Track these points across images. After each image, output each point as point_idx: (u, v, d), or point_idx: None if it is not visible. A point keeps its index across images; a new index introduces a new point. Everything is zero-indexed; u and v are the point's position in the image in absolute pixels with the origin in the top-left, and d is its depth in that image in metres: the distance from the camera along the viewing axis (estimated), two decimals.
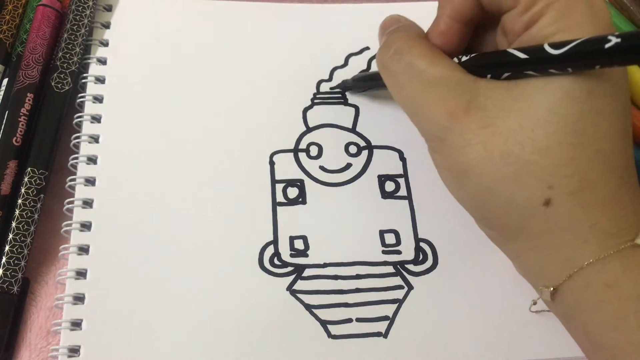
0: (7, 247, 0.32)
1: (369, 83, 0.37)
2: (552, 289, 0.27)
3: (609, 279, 0.25)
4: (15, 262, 0.32)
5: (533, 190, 0.26)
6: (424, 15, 0.38)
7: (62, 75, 0.36)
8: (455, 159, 0.27)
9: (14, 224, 0.33)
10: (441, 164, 0.29)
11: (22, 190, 0.33)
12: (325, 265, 0.34)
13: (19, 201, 0.33)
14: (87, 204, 0.34)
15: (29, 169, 0.34)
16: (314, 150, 0.36)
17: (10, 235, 0.32)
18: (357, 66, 0.39)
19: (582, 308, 0.26)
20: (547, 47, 0.24)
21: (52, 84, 0.36)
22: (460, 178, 0.28)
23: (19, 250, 0.32)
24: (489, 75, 0.27)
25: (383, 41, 0.31)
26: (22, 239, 0.32)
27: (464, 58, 0.28)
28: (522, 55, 0.25)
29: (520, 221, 0.27)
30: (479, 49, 0.31)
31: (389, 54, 0.30)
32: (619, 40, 0.22)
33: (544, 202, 0.26)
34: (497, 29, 0.30)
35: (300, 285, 0.33)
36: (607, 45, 0.22)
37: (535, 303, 0.32)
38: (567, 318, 0.28)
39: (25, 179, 0.33)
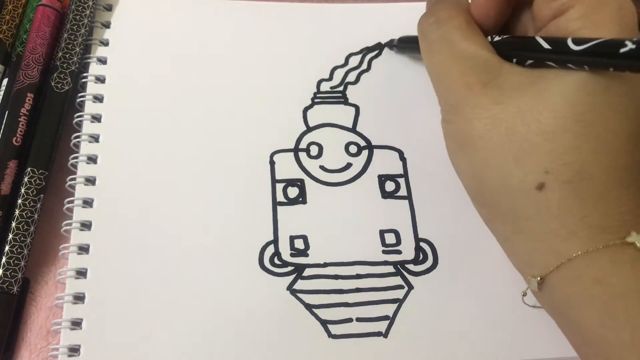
0: (7, 247, 0.32)
1: (412, 45, 0.37)
2: (539, 278, 0.27)
3: (598, 275, 0.25)
4: (15, 262, 0.32)
5: (529, 171, 0.26)
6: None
7: (62, 75, 0.36)
8: (462, 129, 0.29)
9: (13, 224, 0.33)
10: (449, 133, 0.30)
11: (22, 190, 0.33)
12: (325, 264, 0.34)
13: (19, 201, 0.33)
14: (87, 203, 0.34)
15: (29, 169, 0.34)
16: (314, 150, 0.36)
17: (10, 235, 0.32)
18: (356, 65, 0.39)
19: (572, 303, 0.26)
20: (569, 42, 0.25)
21: (52, 84, 0.36)
22: (464, 149, 0.29)
23: (19, 250, 0.32)
24: (514, 60, 0.28)
25: (427, 8, 0.33)
26: (22, 239, 0.32)
27: (496, 38, 0.29)
28: (545, 45, 0.26)
29: (511, 201, 0.27)
30: (514, 30, 0.32)
31: (429, 21, 0.31)
32: (634, 46, 0.22)
33: (537, 186, 0.26)
34: (529, 13, 0.30)
35: (300, 284, 0.33)
36: (622, 50, 0.22)
37: (525, 294, 0.32)
38: (557, 313, 0.28)
39: (25, 179, 0.33)
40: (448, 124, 0.30)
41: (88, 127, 0.36)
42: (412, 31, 0.40)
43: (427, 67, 0.32)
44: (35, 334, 0.32)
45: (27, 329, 0.32)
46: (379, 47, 0.40)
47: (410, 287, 0.33)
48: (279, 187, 0.35)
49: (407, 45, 0.38)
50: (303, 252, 0.34)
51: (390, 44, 0.40)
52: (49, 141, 0.35)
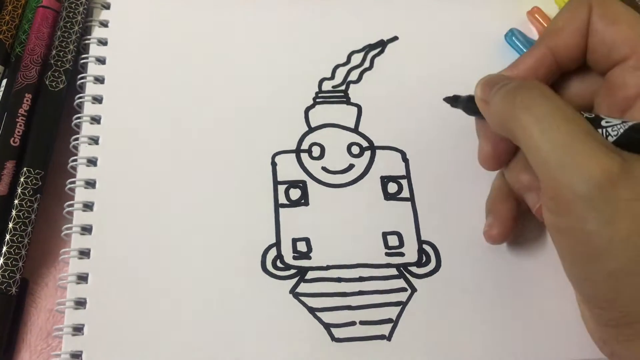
0: (4, 248, 0.32)
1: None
2: None
3: None
4: (13, 262, 0.32)
5: None
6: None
7: (56, 74, 0.36)
8: (594, 229, 0.23)
9: (11, 225, 0.32)
10: (566, 229, 0.25)
11: (19, 191, 0.33)
12: (328, 267, 0.33)
13: (16, 201, 0.33)
14: (88, 206, 0.34)
15: (25, 168, 0.33)
16: (316, 151, 0.36)
17: (8, 236, 0.32)
18: (359, 63, 0.39)
19: None
20: None
21: (47, 82, 0.35)
22: (594, 252, 0.23)
23: (17, 251, 0.32)
24: None
25: (509, 89, 0.28)
26: (20, 239, 0.32)
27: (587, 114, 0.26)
28: None
29: None
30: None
31: (531, 94, 0.26)
32: None
33: None
34: (586, 78, 0.29)
35: (303, 288, 0.33)
36: None
37: None
38: None
39: (21, 179, 0.33)
40: (563, 218, 0.24)
41: (87, 129, 0.35)
42: (415, 29, 0.40)
43: (532, 146, 0.25)
44: (35, 336, 0.32)
45: (27, 331, 0.32)
46: (381, 45, 0.39)
47: (414, 289, 0.33)
48: (281, 188, 0.35)
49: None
50: (305, 255, 0.34)
51: (454, 101, 0.35)
52: (44, 140, 0.34)
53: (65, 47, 0.36)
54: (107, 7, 0.39)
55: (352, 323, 0.32)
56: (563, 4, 0.40)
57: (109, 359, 0.31)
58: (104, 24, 0.39)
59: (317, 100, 0.38)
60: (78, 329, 0.31)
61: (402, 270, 0.33)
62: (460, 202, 0.35)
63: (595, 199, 0.23)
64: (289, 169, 0.35)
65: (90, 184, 0.34)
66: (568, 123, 0.24)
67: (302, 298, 0.33)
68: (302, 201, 0.35)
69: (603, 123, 0.26)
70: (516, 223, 0.33)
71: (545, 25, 0.40)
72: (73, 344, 0.31)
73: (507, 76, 0.31)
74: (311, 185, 0.35)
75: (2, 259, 0.32)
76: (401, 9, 0.41)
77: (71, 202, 0.33)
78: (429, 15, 0.41)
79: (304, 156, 0.36)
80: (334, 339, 0.32)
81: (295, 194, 0.35)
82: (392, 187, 0.35)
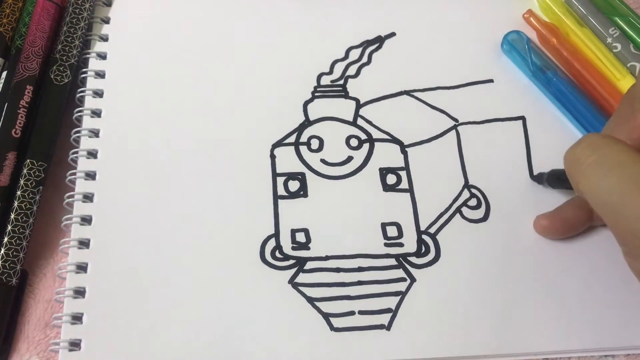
0: (5, 239, 0.32)
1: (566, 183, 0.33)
2: None
3: None
4: (14, 253, 0.32)
5: None
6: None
7: (61, 68, 0.36)
8: None
9: (12, 216, 0.32)
10: None
11: (21, 182, 0.33)
12: (327, 258, 0.33)
13: (18, 193, 0.33)
14: (88, 197, 0.34)
15: (28, 160, 0.33)
16: (315, 144, 0.36)
17: (9, 227, 0.32)
18: (357, 58, 0.39)
19: None
20: None
21: (52, 76, 0.36)
22: None
23: (18, 242, 0.32)
24: None
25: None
26: (21, 230, 0.32)
27: None
28: None
29: None
30: None
31: (582, 147, 0.27)
32: None
33: None
34: None
35: (302, 278, 0.33)
36: None
37: None
38: None
39: (24, 171, 0.33)
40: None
41: (88, 122, 0.36)
42: (412, 25, 0.40)
43: (592, 197, 0.26)
44: (33, 327, 0.32)
45: (25, 322, 0.32)
46: (379, 40, 0.40)
47: (413, 279, 0.33)
48: (280, 180, 0.35)
49: (563, 184, 0.35)
50: (304, 246, 0.34)
51: (537, 178, 0.36)
52: (48, 133, 0.35)
53: (71, 42, 0.37)
54: (108, 4, 0.40)
55: (351, 313, 0.32)
56: (546, 5, 0.41)
57: (108, 348, 0.31)
58: (105, 21, 0.39)
59: (316, 94, 0.38)
60: (77, 318, 0.31)
61: (401, 261, 0.34)
62: (458, 193, 0.35)
63: None
64: (288, 162, 0.36)
65: (91, 175, 0.34)
66: (622, 167, 0.25)
67: (301, 288, 0.33)
68: (301, 193, 0.35)
69: None
70: (570, 230, 0.34)
71: (540, 28, 0.40)
72: (72, 332, 0.31)
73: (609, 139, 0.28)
74: (310, 177, 0.35)
75: (3, 250, 0.32)
76: (398, 6, 0.41)
77: (71, 193, 0.34)
78: (425, 11, 0.41)
79: (303, 149, 0.36)
80: (333, 328, 0.32)
81: (294, 185, 0.35)
82: (390, 179, 0.36)
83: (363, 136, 0.37)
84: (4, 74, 0.36)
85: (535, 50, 0.39)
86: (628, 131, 0.29)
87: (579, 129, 0.37)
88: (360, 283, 0.33)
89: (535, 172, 0.36)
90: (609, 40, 0.39)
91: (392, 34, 0.40)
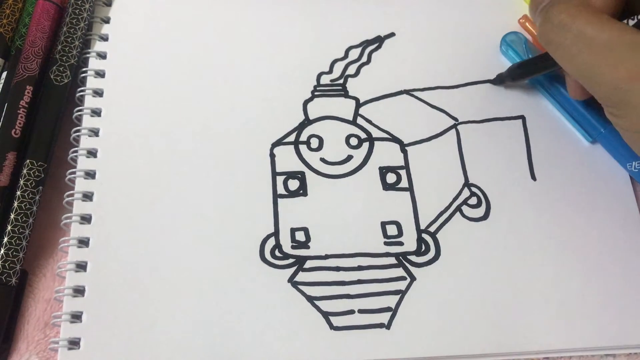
0: (5, 239, 0.32)
1: (526, 69, 0.37)
2: None
3: None
4: (14, 253, 0.32)
5: None
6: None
7: (61, 68, 0.36)
8: (638, 120, 0.28)
9: (12, 216, 0.32)
10: (625, 126, 0.29)
11: (21, 182, 0.33)
12: (326, 256, 0.33)
13: (18, 193, 0.33)
14: (87, 196, 0.34)
15: (28, 160, 0.34)
16: (314, 143, 0.36)
17: (9, 227, 0.32)
18: (356, 58, 0.39)
19: None
20: None
21: (52, 76, 0.36)
22: None
23: (18, 242, 0.32)
24: None
25: (542, 17, 0.31)
26: (21, 230, 0.32)
27: (632, 22, 0.29)
28: None
29: None
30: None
31: (553, 27, 0.30)
32: None
33: None
34: None
35: (301, 277, 0.33)
36: None
37: None
38: None
39: (24, 171, 0.33)
40: (619, 119, 0.29)
41: (88, 121, 0.36)
42: (412, 25, 0.40)
43: (571, 72, 0.30)
44: (33, 326, 0.32)
45: (25, 322, 0.32)
46: (378, 40, 0.40)
47: (413, 278, 0.33)
48: (280, 179, 0.35)
49: (525, 70, 0.37)
50: (304, 244, 0.34)
51: (499, 80, 0.38)
52: (48, 133, 0.35)
53: (71, 42, 0.37)
54: (108, 4, 0.40)
55: (351, 312, 0.32)
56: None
57: (107, 346, 0.31)
58: (106, 21, 0.39)
59: (316, 93, 0.38)
60: (76, 317, 0.31)
61: (401, 259, 0.33)
62: (458, 192, 0.35)
63: (630, 99, 0.27)
64: (287, 161, 0.36)
65: (90, 174, 0.34)
66: (589, 44, 0.28)
67: (301, 287, 0.33)
68: (301, 192, 0.35)
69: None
70: None
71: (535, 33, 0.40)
72: (71, 331, 0.31)
73: None
74: (310, 176, 0.35)
75: (2, 250, 0.32)
76: (398, 6, 0.41)
77: (71, 192, 0.34)
78: (425, 11, 0.41)
79: (303, 148, 0.36)
80: (332, 327, 0.32)
81: (293, 184, 0.35)
82: (390, 178, 0.36)
83: (363, 135, 0.37)
84: (4, 74, 0.36)
85: (533, 51, 0.39)
86: None
87: (577, 129, 0.37)
88: (360, 282, 0.33)
89: (535, 172, 0.36)
90: None
91: (392, 34, 0.40)
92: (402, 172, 0.36)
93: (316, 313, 0.32)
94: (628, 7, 0.31)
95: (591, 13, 0.28)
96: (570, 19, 0.29)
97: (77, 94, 0.36)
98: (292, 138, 0.36)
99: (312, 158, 0.36)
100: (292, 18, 0.40)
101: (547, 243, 0.34)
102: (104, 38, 0.39)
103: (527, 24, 0.40)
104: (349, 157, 0.36)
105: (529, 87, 0.39)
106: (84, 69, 0.37)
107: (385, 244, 0.34)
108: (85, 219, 0.33)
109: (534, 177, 0.36)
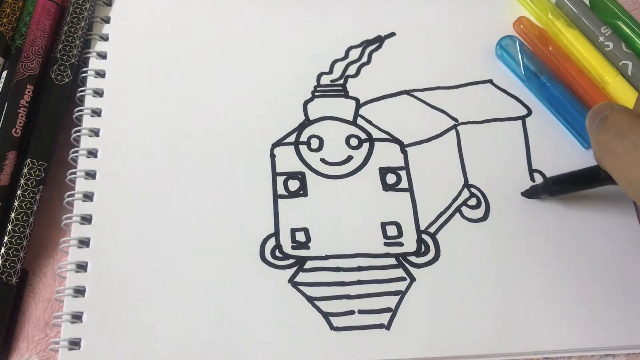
0: (6, 238, 0.32)
1: (569, 185, 0.35)
2: None
3: None
4: (14, 253, 0.32)
5: None
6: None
7: (61, 68, 0.36)
8: None
9: (13, 215, 0.32)
10: None
11: (22, 182, 0.33)
12: (326, 257, 0.33)
13: (18, 192, 0.33)
14: (88, 197, 0.34)
15: (28, 160, 0.34)
16: (314, 143, 0.36)
17: (9, 226, 0.32)
18: (357, 58, 0.39)
19: None
20: None
21: (52, 76, 0.36)
22: None
23: (18, 241, 0.32)
24: None
25: (600, 125, 0.29)
26: (21, 230, 0.32)
27: None
28: None
29: None
30: None
31: (611, 135, 0.28)
32: None
33: None
34: None
35: (301, 277, 0.33)
36: None
37: None
38: None
39: (25, 170, 0.33)
40: None
41: (88, 121, 0.36)
42: (412, 25, 0.40)
43: (624, 184, 0.28)
44: (33, 326, 0.32)
45: (25, 321, 0.32)
46: (379, 40, 0.40)
47: (413, 279, 0.33)
48: (280, 180, 0.35)
49: (564, 187, 0.35)
50: (304, 245, 0.34)
51: (531, 193, 0.36)
52: (48, 132, 0.35)
53: (72, 42, 0.37)
54: (108, 4, 0.40)
55: (351, 312, 0.32)
56: (532, 10, 0.41)
57: (108, 347, 0.31)
58: (106, 21, 0.39)
59: (316, 94, 0.38)
60: (77, 317, 0.31)
61: (401, 260, 0.34)
62: (458, 192, 0.35)
63: None
64: (287, 161, 0.36)
65: (91, 174, 0.34)
66: None
67: (301, 287, 0.33)
68: (301, 192, 0.35)
69: None
70: None
71: (530, 37, 0.40)
72: (72, 331, 0.31)
73: (610, 104, 0.30)
74: (310, 177, 0.35)
75: (3, 249, 0.32)
76: (398, 5, 0.41)
77: (71, 192, 0.34)
78: (425, 11, 0.41)
79: (303, 148, 0.36)
80: (332, 327, 0.32)
81: (294, 185, 0.35)
82: (390, 178, 0.36)
83: (363, 136, 0.37)
84: (5, 73, 0.36)
85: (528, 54, 0.39)
86: None
87: (571, 133, 0.37)
88: (360, 282, 0.33)
89: (534, 173, 0.36)
90: (601, 39, 0.39)
91: (392, 34, 0.40)
92: (402, 173, 0.36)
93: (316, 313, 0.32)
94: None
95: None
96: (630, 128, 0.27)
97: (78, 94, 0.37)
98: (292, 138, 0.36)
99: (312, 158, 0.36)
100: (293, 18, 0.40)
101: (546, 243, 0.34)
102: (104, 38, 0.39)
103: (521, 26, 0.40)
104: (349, 158, 0.36)
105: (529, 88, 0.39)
106: (84, 69, 0.37)
107: (385, 244, 0.34)
108: (86, 219, 0.33)
109: (533, 179, 0.36)
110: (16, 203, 0.33)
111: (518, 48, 0.39)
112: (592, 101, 0.37)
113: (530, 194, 0.35)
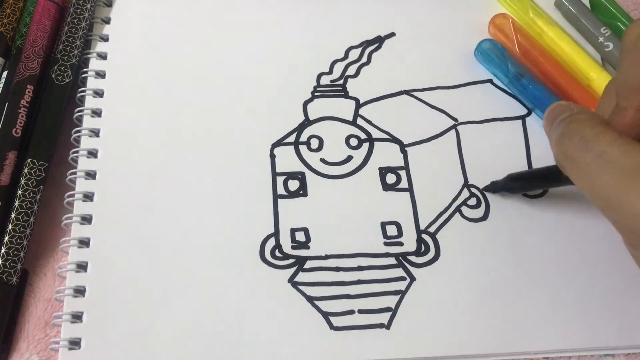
0: (6, 238, 0.32)
1: (528, 183, 0.35)
2: None
3: None
4: (15, 252, 0.32)
5: None
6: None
7: (62, 68, 0.36)
8: None
9: (13, 215, 0.32)
10: None
11: (22, 182, 0.33)
12: (326, 257, 0.33)
13: (19, 192, 0.33)
14: (88, 197, 0.34)
15: (29, 160, 0.34)
16: (314, 143, 0.36)
17: (10, 226, 0.32)
18: (356, 58, 0.39)
19: None
20: None
21: (53, 76, 0.36)
22: None
23: (18, 241, 0.32)
24: None
25: (561, 130, 0.28)
26: (22, 229, 0.32)
27: None
28: None
29: None
30: None
31: (574, 143, 0.27)
32: None
33: None
34: None
35: (301, 277, 0.33)
36: None
37: None
38: None
39: (25, 170, 0.33)
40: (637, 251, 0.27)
41: (88, 122, 0.36)
42: (412, 25, 0.40)
43: (588, 194, 0.27)
44: (33, 326, 0.32)
45: (25, 321, 0.32)
46: (378, 40, 0.40)
47: (412, 278, 0.33)
48: (280, 180, 0.35)
49: (524, 184, 0.35)
50: (304, 245, 0.34)
51: (492, 188, 0.35)
52: (49, 133, 0.35)
53: (72, 42, 0.37)
54: (109, 4, 0.40)
55: (351, 312, 0.32)
56: (513, 9, 0.41)
57: (108, 347, 0.31)
58: (106, 21, 0.39)
59: (316, 94, 0.38)
60: (77, 317, 0.31)
61: (401, 260, 0.34)
62: (458, 192, 0.35)
63: None
64: (287, 161, 0.36)
65: (91, 175, 0.34)
66: (612, 166, 0.25)
67: (301, 287, 0.33)
68: (301, 192, 0.35)
69: None
70: None
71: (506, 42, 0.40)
72: (72, 331, 0.31)
73: (569, 106, 0.29)
74: (310, 177, 0.35)
75: (3, 249, 0.32)
76: (398, 6, 0.41)
77: (72, 192, 0.34)
78: (425, 11, 0.41)
79: (303, 148, 0.36)
80: (332, 327, 0.32)
81: (293, 185, 0.35)
82: (390, 178, 0.36)
83: (363, 136, 0.37)
84: (5, 73, 0.36)
85: (506, 57, 0.38)
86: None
87: None
88: (359, 282, 0.33)
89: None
90: (601, 39, 0.39)
91: (392, 34, 0.40)
92: (402, 173, 0.36)
93: (316, 313, 0.32)
94: None
95: (617, 134, 0.26)
96: (594, 136, 0.26)
97: (78, 95, 0.37)
98: (292, 138, 0.36)
99: (312, 158, 0.36)
100: (292, 18, 0.40)
101: (546, 243, 0.34)
102: (105, 39, 0.39)
103: (497, 33, 0.40)
104: (349, 158, 0.36)
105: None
106: (85, 70, 0.37)
107: (385, 244, 0.34)
108: (86, 219, 0.33)
109: None
110: (16, 203, 0.33)
111: (496, 52, 0.39)
112: (578, 100, 0.37)
113: (491, 188, 0.35)
